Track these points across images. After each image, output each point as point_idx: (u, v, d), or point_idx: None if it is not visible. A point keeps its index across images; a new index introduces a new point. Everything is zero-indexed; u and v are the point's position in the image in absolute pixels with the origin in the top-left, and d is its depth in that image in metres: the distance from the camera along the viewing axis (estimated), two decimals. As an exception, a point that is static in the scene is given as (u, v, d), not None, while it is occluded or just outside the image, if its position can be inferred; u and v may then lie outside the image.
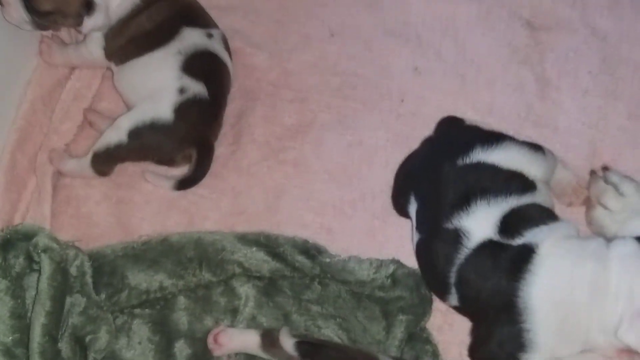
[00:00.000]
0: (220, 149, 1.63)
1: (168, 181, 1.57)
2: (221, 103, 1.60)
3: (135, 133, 1.52)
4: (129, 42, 1.59)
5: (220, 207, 1.58)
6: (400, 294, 1.40)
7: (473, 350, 1.33)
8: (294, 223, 1.55)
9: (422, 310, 1.40)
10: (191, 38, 1.57)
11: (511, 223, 1.28)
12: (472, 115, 1.59)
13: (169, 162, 1.59)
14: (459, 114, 1.57)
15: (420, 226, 1.39)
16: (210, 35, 1.60)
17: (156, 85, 1.54)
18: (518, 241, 1.26)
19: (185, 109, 1.52)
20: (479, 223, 1.29)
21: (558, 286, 1.22)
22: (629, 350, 1.20)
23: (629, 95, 1.62)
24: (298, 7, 1.79)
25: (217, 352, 1.37)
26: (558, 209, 1.41)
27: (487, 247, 1.27)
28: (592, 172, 1.49)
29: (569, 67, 1.66)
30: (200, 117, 1.55)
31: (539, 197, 1.33)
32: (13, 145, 1.60)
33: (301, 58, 1.72)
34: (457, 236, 1.29)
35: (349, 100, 1.68)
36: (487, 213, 1.29)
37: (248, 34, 1.75)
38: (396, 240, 1.51)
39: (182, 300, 1.42)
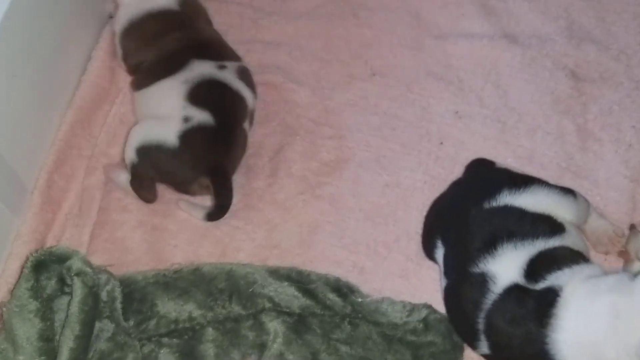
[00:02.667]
0: (258, 182, 1.63)
1: (200, 211, 1.57)
2: (233, 131, 1.59)
3: (143, 151, 1.54)
4: (142, 69, 1.64)
5: (254, 239, 1.57)
6: (432, 339, 1.37)
7: None
8: (326, 260, 1.53)
9: (454, 356, 1.37)
10: (199, 69, 1.60)
11: (537, 267, 1.25)
12: (512, 163, 1.58)
13: (186, 189, 1.60)
14: (499, 160, 1.56)
15: (448, 271, 1.37)
16: (222, 67, 1.62)
17: (164, 112, 1.56)
18: (542, 285, 1.23)
19: (191, 136, 1.54)
20: (505, 267, 1.27)
21: (581, 327, 1.18)
22: None
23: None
24: (342, 46, 1.81)
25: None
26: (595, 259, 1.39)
27: (513, 292, 1.25)
28: (632, 227, 1.46)
29: (612, 120, 1.65)
30: (207, 145, 1.55)
31: (568, 240, 1.30)
32: (50, 166, 1.61)
33: (342, 97, 1.73)
34: (484, 281, 1.27)
35: (388, 141, 1.68)
36: (514, 256, 1.27)
37: (291, 70, 1.77)
38: (430, 285, 1.49)
39: (210, 332, 1.40)
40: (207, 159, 1.55)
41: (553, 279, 1.24)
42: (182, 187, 1.59)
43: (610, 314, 1.16)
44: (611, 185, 1.57)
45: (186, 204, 1.59)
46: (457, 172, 1.59)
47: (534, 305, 1.22)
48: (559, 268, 1.25)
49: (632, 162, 1.59)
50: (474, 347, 1.34)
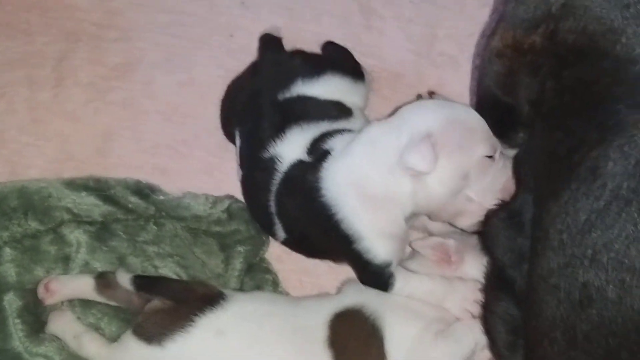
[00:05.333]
0: (43, 93, 1.55)
1: None
2: None
3: None
4: None
5: (46, 154, 1.50)
6: (236, 227, 1.39)
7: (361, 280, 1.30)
8: (126, 166, 1.49)
9: (260, 240, 1.40)
10: None
11: (318, 143, 1.29)
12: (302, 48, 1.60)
13: None
14: (288, 47, 1.57)
15: (243, 162, 1.39)
16: None
17: None
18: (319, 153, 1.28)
19: None
20: (291, 147, 1.29)
21: (346, 165, 1.22)
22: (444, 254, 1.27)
23: (450, 23, 1.68)
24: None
25: (49, 301, 1.31)
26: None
27: (296, 166, 1.28)
28: (419, 96, 1.54)
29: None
30: None
31: (353, 124, 1.35)
32: None
33: (124, -4, 1.66)
34: (272, 164, 1.29)
35: (178, 38, 1.63)
36: (299, 137, 1.30)
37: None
38: (233, 177, 1.49)
39: (8, 252, 1.34)
40: None
41: (327, 145, 1.28)
42: None
43: (368, 144, 1.21)
44: (397, 61, 1.62)
45: None
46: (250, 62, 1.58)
47: (310, 167, 1.26)
48: (333, 136, 1.29)
49: (414, 36, 1.65)
50: (273, 234, 1.36)
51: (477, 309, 1.22)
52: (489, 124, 1.24)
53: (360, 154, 1.22)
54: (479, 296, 1.22)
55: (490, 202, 1.22)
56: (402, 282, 1.24)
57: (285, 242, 1.36)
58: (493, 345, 1.19)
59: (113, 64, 1.59)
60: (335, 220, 1.22)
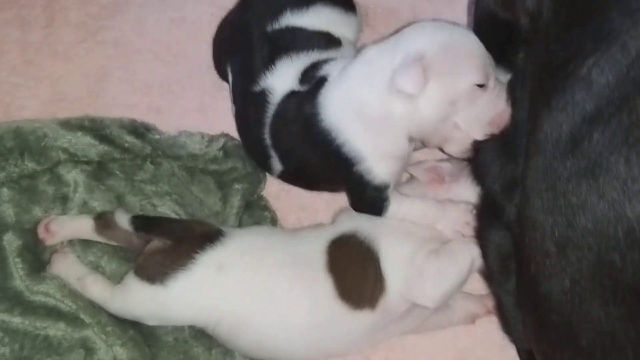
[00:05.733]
0: (33, 34, 1.54)
1: None
2: None
3: None
4: None
5: (38, 95, 1.49)
6: (233, 165, 1.40)
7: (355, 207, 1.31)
8: (119, 105, 1.49)
9: (257, 178, 1.41)
10: None
11: (310, 72, 1.29)
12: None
13: None
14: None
15: (235, 98, 1.38)
16: None
17: None
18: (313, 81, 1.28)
19: None
20: (282, 79, 1.29)
21: (344, 88, 1.22)
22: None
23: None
24: None
25: (49, 241, 1.31)
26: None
27: (290, 96, 1.28)
28: None
29: None
30: None
31: (343, 54, 1.34)
32: None
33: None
34: (264, 96, 1.29)
35: (167, -24, 1.61)
36: (290, 68, 1.30)
37: None
38: (227, 115, 1.48)
39: (5, 192, 1.33)
40: None
41: (322, 72, 1.28)
42: None
43: (364, 66, 1.21)
44: (392, -3, 1.62)
45: None
46: None
47: (307, 94, 1.26)
48: (326, 63, 1.29)
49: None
50: (269, 169, 1.37)
51: (469, 230, 1.24)
52: (488, 46, 1.23)
53: (357, 77, 1.21)
54: (471, 218, 1.24)
55: (477, 132, 1.22)
56: (395, 205, 1.25)
57: (282, 176, 1.37)
58: (487, 269, 1.22)
59: (104, 2, 1.58)
60: (335, 144, 1.22)
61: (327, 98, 1.23)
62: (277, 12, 1.36)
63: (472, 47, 1.21)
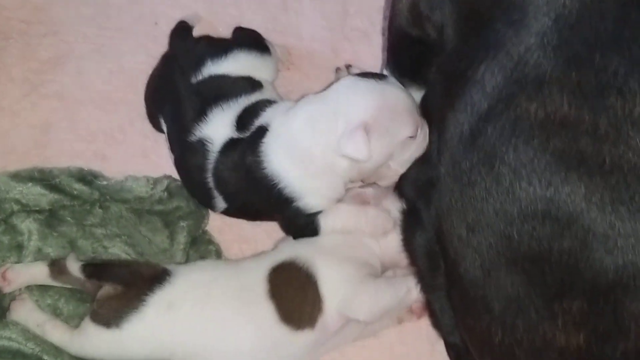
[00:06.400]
0: (-22, 92, 1.61)
1: None
2: None
3: None
4: None
5: (-13, 150, 1.57)
6: (177, 204, 1.50)
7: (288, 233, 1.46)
8: (66, 155, 1.57)
9: (201, 214, 1.52)
10: None
11: (245, 118, 1.41)
12: (224, 32, 1.68)
13: None
14: (212, 32, 1.66)
15: (172, 146, 1.50)
16: None
17: None
18: (253, 129, 1.40)
19: None
20: (218, 128, 1.41)
21: (287, 142, 1.34)
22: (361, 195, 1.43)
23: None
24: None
25: (7, 289, 1.38)
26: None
27: (230, 144, 1.40)
28: (338, 69, 1.67)
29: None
30: None
31: (266, 95, 1.47)
32: None
33: (47, -8, 1.72)
34: (202, 146, 1.41)
35: (104, 29, 1.71)
36: (223, 116, 1.42)
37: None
38: (169, 158, 1.59)
39: (-37, 244, 1.41)
40: None
41: (261, 121, 1.40)
42: None
43: (307, 124, 1.34)
44: (313, 38, 1.75)
45: None
46: (176, 48, 1.67)
47: (249, 143, 1.38)
48: (262, 110, 1.42)
49: (326, 12, 1.77)
50: (212, 207, 1.48)
51: (388, 224, 1.39)
52: (404, 65, 1.40)
53: (301, 133, 1.33)
54: (390, 219, 1.39)
55: (405, 167, 1.38)
56: (324, 219, 1.39)
57: (225, 211, 1.48)
58: (417, 271, 1.35)
59: (44, 58, 1.66)
60: (278, 188, 1.35)
61: (270, 148, 1.36)
62: (199, 63, 1.48)
63: (403, 103, 1.34)
